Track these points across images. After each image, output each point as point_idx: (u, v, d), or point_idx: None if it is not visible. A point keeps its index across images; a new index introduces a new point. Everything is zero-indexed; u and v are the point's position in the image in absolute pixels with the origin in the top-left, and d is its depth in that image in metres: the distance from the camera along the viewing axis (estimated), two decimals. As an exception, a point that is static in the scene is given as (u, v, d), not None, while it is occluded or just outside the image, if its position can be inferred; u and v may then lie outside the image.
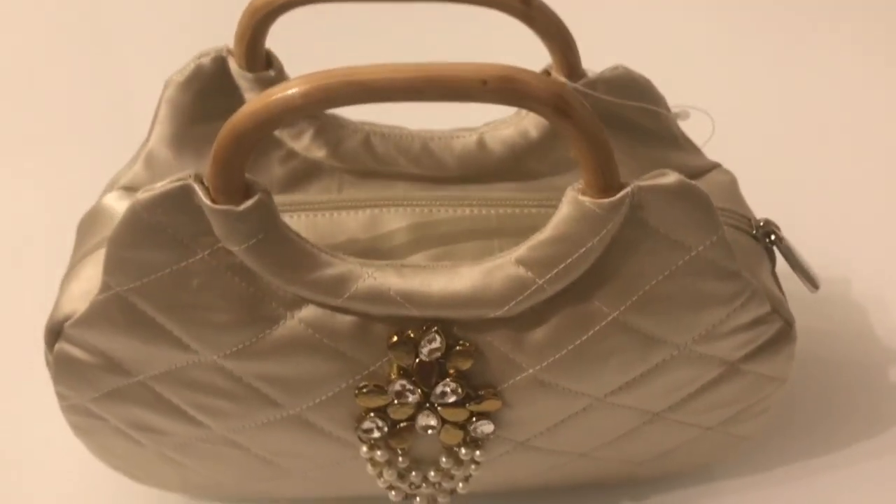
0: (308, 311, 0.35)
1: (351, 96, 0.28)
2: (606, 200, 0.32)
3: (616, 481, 0.44)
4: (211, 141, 0.39)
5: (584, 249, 0.33)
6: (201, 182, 0.32)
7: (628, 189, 0.32)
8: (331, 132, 0.40)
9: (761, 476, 0.46)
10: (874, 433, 0.48)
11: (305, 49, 0.43)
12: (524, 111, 0.40)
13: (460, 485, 0.40)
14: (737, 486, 0.46)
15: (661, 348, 0.36)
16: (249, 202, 0.32)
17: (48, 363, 0.39)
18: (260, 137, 0.30)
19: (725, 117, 0.43)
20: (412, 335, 0.35)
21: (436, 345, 0.35)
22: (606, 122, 0.39)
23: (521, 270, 0.34)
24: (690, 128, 0.42)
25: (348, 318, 0.35)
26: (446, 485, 0.40)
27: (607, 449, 0.41)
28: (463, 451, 0.38)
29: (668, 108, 0.40)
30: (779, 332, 0.38)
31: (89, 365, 0.37)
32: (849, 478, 0.46)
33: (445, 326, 0.35)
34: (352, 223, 0.37)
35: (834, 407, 0.49)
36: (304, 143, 0.40)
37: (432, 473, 0.39)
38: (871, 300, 0.54)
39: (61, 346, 0.37)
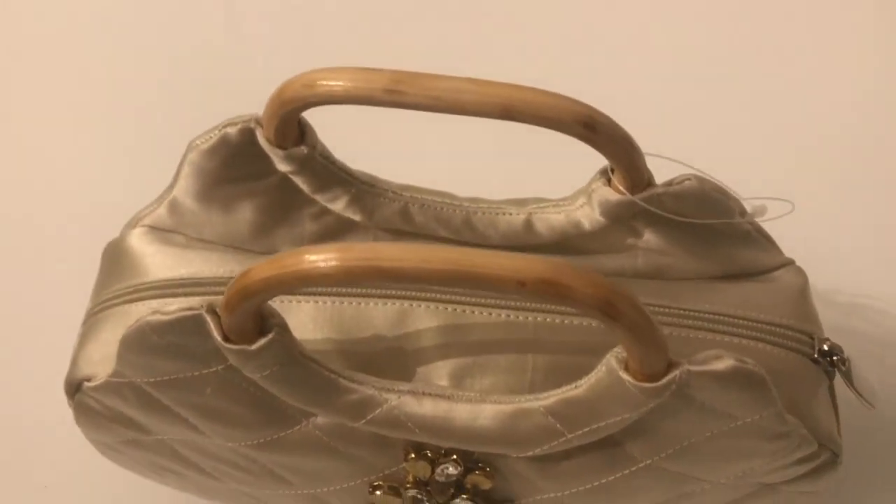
0: (325, 421, 0.33)
1: (376, 281, 0.25)
2: (650, 385, 0.29)
3: None
4: (240, 198, 0.37)
5: (617, 419, 0.30)
6: (214, 313, 0.30)
7: (676, 373, 0.29)
8: (367, 199, 0.37)
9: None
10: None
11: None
12: (577, 203, 0.36)
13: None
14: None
15: (693, 484, 0.34)
16: (263, 341, 0.30)
17: (70, 406, 0.39)
18: (272, 297, 0.28)
19: (809, 198, 0.38)
20: (429, 454, 0.34)
21: (452, 471, 0.33)
22: (669, 222, 0.35)
23: (551, 421, 0.31)
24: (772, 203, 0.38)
25: (366, 431, 0.34)
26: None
27: None
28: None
29: (742, 211, 0.36)
30: (823, 462, 0.36)
31: (109, 418, 0.37)
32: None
33: (466, 453, 0.33)
34: (379, 318, 0.35)
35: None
36: (338, 207, 0.37)
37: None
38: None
39: (81, 398, 0.37)
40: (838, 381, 0.38)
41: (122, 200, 0.39)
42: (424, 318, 0.35)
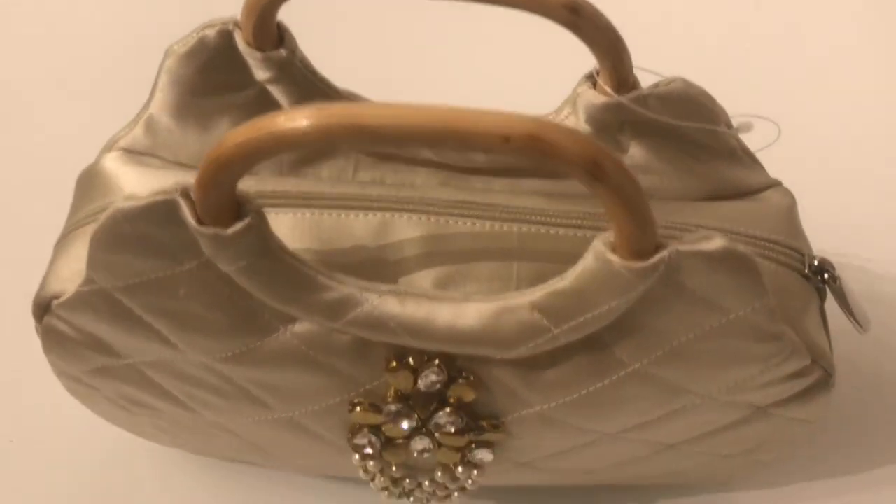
0: (303, 327, 0.32)
1: (355, 141, 0.24)
2: (638, 265, 0.28)
3: (624, 486, 0.43)
4: (217, 114, 0.36)
5: (606, 308, 0.29)
6: (188, 197, 0.29)
7: (665, 253, 0.28)
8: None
9: (779, 491, 0.44)
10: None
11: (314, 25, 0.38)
12: (562, 115, 0.35)
13: (455, 494, 0.38)
14: (752, 500, 0.44)
15: (683, 397, 0.33)
16: (238, 226, 0.29)
17: (38, 333, 0.37)
18: (248, 168, 0.27)
19: (795, 125, 0.38)
20: (412, 362, 0.32)
21: (435, 377, 0.32)
22: (655, 135, 0.34)
23: (536, 316, 0.30)
24: (755, 133, 0.37)
25: (345, 338, 0.32)
26: (441, 493, 0.38)
27: (615, 469, 0.39)
28: (460, 469, 0.36)
29: (728, 123, 0.35)
30: (816, 381, 0.35)
31: (78, 342, 0.35)
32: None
33: (448, 359, 0.32)
34: (360, 228, 0.34)
35: (867, 430, 0.46)
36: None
37: (427, 483, 0.37)
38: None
39: (49, 320, 0.36)
40: (829, 306, 0.37)
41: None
42: (406, 228, 0.34)
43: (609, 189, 0.26)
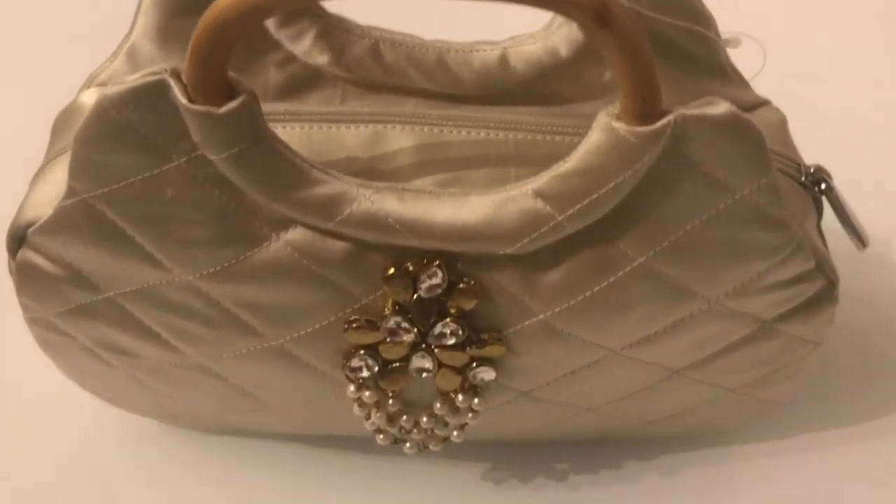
0: (296, 234, 0.31)
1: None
2: (645, 129, 0.27)
3: (622, 438, 0.41)
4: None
5: (613, 185, 0.29)
6: (178, 78, 0.28)
7: (671, 117, 0.28)
8: (334, 36, 0.35)
9: (779, 443, 0.43)
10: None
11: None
12: (554, 25, 0.35)
13: (454, 433, 0.36)
14: (751, 452, 0.43)
15: (689, 301, 0.32)
16: (232, 104, 0.28)
17: (11, 271, 0.35)
18: (244, 28, 0.26)
19: (779, 51, 0.38)
20: (411, 268, 0.31)
21: (436, 280, 0.31)
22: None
23: (539, 204, 0.30)
24: (739, 59, 0.37)
25: (341, 245, 0.31)
26: (439, 432, 0.36)
27: (618, 405, 0.37)
28: (460, 397, 0.34)
29: (717, 34, 0.35)
30: (820, 291, 0.34)
31: (54, 277, 0.34)
32: (874, 452, 0.42)
33: (449, 261, 0.31)
34: (352, 139, 0.33)
35: (867, 376, 0.45)
36: (304, 47, 0.35)
37: (425, 419, 0.36)
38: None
39: (24, 254, 0.34)
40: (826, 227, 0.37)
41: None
42: (399, 138, 0.33)
43: (616, 37, 0.25)
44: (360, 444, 0.42)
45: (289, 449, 0.42)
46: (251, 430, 0.41)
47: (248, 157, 0.29)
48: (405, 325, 0.32)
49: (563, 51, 0.35)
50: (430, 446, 0.37)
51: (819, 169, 0.35)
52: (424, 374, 0.33)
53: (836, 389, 0.44)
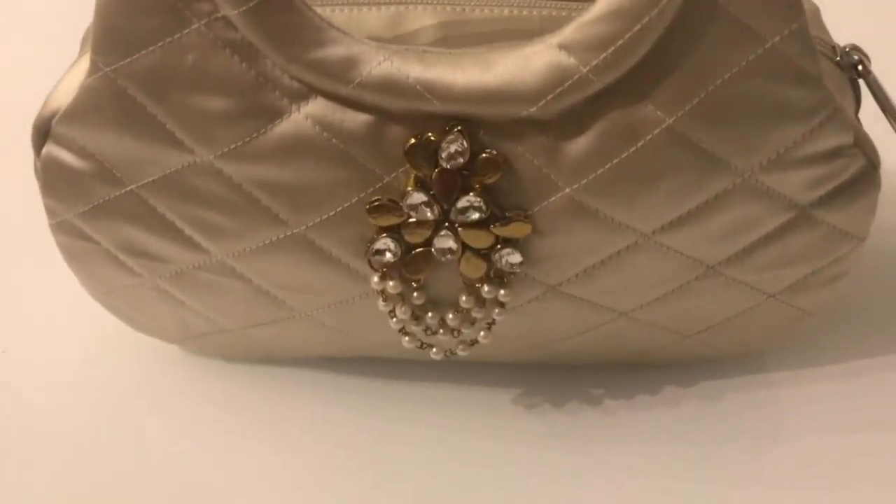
0: (316, 106, 0.31)
1: None
2: None
3: (656, 358, 0.39)
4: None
5: (639, 26, 0.28)
6: None
7: None
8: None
9: (819, 369, 0.41)
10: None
11: None
12: None
13: (482, 333, 0.35)
14: (792, 378, 0.41)
15: (722, 173, 0.31)
16: None
17: (36, 171, 0.35)
18: None
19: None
20: (433, 138, 0.30)
21: (458, 147, 0.30)
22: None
23: (563, 56, 0.29)
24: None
25: (361, 117, 0.31)
26: (466, 331, 0.35)
27: (652, 308, 0.36)
28: (486, 288, 0.33)
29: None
30: (860, 172, 0.33)
31: (79, 171, 0.34)
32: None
33: (471, 129, 0.30)
34: (372, 20, 0.33)
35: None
36: None
37: (451, 316, 0.35)
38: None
39: (49, 148, 0.34)
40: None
41: None
42: (422, 17, 0.33)
43: None
44: (385, 370, 0.41)
45: (312, 377, 0.41)
46: (276, 351, 0.40)
47: (266, 9, 0.29)
48: (427, 200, 0.31)
49: None
50: (458, 351, 0.36)
51: (854, 48, 0.34)
52: (448, 257, 0.32)
53: (869, 311, 0.42)
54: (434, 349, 0.36)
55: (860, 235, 0.35)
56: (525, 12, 0.33)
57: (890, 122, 0.35)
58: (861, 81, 0.35)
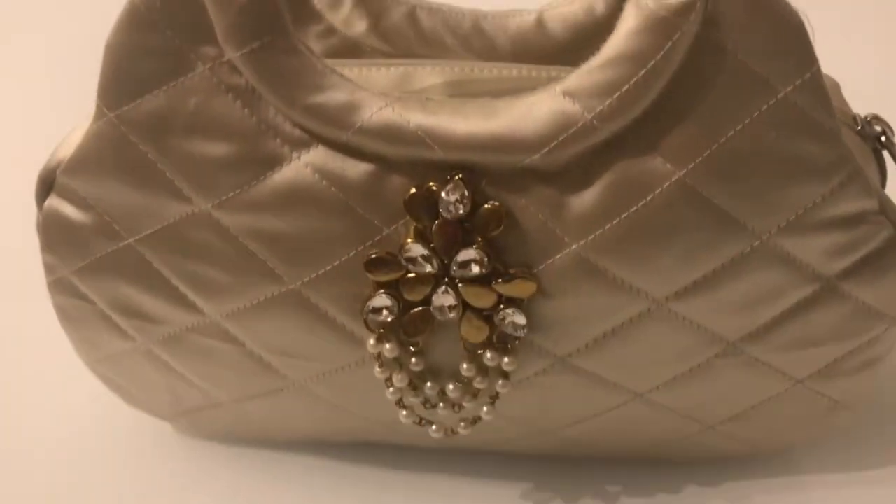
0: (316, 154, 0.30)
1: None
2: (675, 1, 0.26)
3: (678, 452, 0.37)
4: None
5: (645, 70, 0.27)
6: None
7: None
8: (374, 2, 0.36)
9: (857, 474, 0.38)
10: None
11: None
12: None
13: (484, 409, 0.33)
14: (826, 482, 0.38)
15: (737, 234, 0.30)
16: None
17: (38, 227, 0.35)
18: None
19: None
20: (434, 187, 0.30)
21: (458, 196, 0.29)
22: None
23: (568, 103, 0.28)
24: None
25: (362, 166, 0.30)
26: (468, 406, 0.33)
27: (669, 390, 0.33)
28: (488, 354, 0.31)
29: None
30: (888, 242, 0.31)
31: (79, 225, 0.33)
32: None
33: (473, 179, 0.29)
34: (382, 79, 0.33)
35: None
36: (343, 15, 0.36)
37: (451, 387, 0.33)
38: None
39: (51, 201, 0.34)
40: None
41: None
42: (430, 76, 0.33)
43: None
44: (383, 457, 0.38)
45: (307, 463, 0.39)
46: (269, 430, 0.38)
47: (269, 53, 0.29)
48: (427, 253, 0.30)
49: (600, 7, 0.35)
50: (460, 429, 0.34)
51: (876, 118, 0.33)
52: (449, 315, 0.31)
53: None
54: (433, 427, 0.34)
55: (892, 314, 0.32)
56: (534, 73, 0.32)
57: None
58: (886, 153, 0.33)
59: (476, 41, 0.36)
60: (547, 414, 0.34)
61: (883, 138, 0.33)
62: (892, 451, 0.38)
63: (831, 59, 0.35)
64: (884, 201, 0.31)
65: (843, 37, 0.64)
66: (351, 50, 0.36)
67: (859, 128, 0.33)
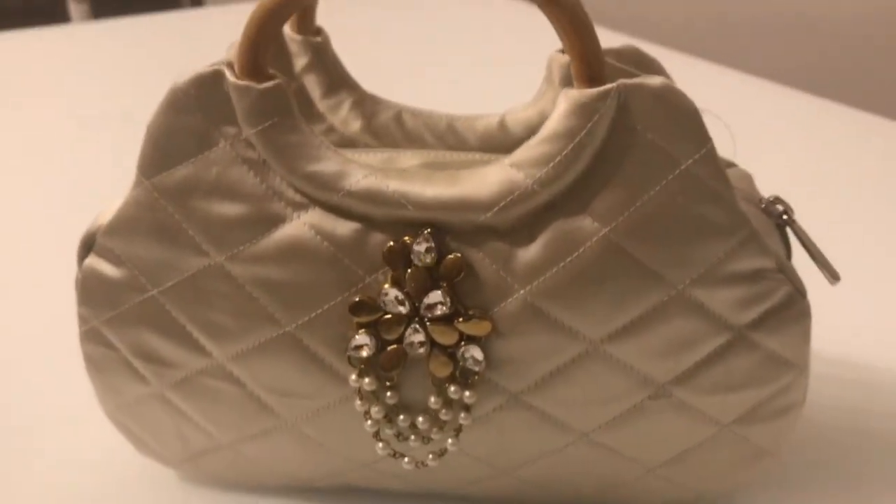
0: (313, 215, 0.37)
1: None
2: (594, 89, 0.34)
3: (626, 497, 0.41)
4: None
5: (573, 144, 0.34)
6: (231, 67, 0.36)
7: (615, 84, 0.34)
8: (367, 105, 0.44)
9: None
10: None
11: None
12: (542, 93, 0.43)
13: (450, 441, 0.38)
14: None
15: (656, 285, 0.36)
16: (269, 83, 0.36)
17: (76, 283, 0.41)
18: (286, 16, 0.34)
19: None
20: (407, 240, 0.36)
21: (427, 247, 0.36)
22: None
23: (514, 172, 0.35)
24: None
25: (350, 225, 0.37)
26: (436, 437, 0.38)
27: (610, 431, 0.38)
28: (452, 388, 0.37)
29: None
30: (787, 297, 0.37)
31: (112, 280, 0.40)
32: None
33: (440, 235, 0.36)
34: (371, 160, 0.40)
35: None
36: (341, 116, 0.44)
37: (421, 419, 0.38)
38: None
39: (90, 260, 0.40)
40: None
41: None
42: (410, 159, 0.40)
43: (562, 9, 0.33)
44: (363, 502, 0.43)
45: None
46: (264, 473, 0.43)
47: (278, 130, 0.36)
48: (401, 297, 0.36)
49: (550, 111, 0.42)
50: (429, 461, 0.39)
51: (777, 199, 0.40)
52: (419, 351, 0.36)
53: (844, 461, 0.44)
54: (406, 459, 0.39)
55: (799, 364, 0.38)
56: (493, 158, 0.39)
57: (821, 270, 0.40)
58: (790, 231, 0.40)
59: (450, 138, 0.43)
60: (506, 452, 0.39)
61: (785, 217, 0.39)
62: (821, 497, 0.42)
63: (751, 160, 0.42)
64: (782, 263, 0.37)
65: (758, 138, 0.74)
66: (347, 145, 0.44)
67: (763, 206, 0.39)
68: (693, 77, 0.45)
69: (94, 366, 0.42)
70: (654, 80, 0.35)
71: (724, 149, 0.44)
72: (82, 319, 0.41)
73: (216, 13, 1.41)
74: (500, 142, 0.43)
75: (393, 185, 0.36)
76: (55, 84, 1.07)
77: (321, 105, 0.44)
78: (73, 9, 1.70)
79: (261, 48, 0.35)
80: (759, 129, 0.84)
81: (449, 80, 0.96)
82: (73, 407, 0.47)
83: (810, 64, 1.14)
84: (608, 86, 0.34)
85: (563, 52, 0.42)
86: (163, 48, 1.19)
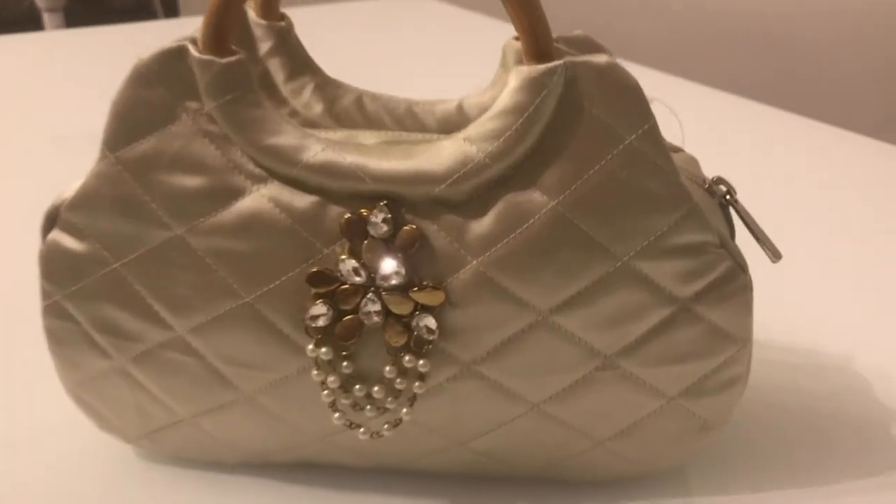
0: (272, 188, 0.38)
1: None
2: (542, 66, 0.35)
3: (576, 469, 0.42)
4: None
5: (522, 119, 0.36)
6: (195, 43, 0.37)
7: (562, 61, 0.36)
8: (328, 89, 0.45)
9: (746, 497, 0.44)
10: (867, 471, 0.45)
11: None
12: (497, 79, 0.44)
13: (404, 410, 0.39)
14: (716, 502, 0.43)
15: (602, 257, 0.37)
16: (232, 58, 0.37)
17: (40, 257, 0.42)
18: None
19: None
20: (364, 213, 0.37)
21: (382, 217, 0.37)
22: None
23: (467, 146, 0.37)
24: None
25: (308, 198, 0.38)
26: (391, 407, 0.39)
27: (560, 402, 0.40)
28: (407, 357, 0.38)
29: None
30: (729, 272, 0.39)
31: (75, 253, 0.40)
32: None
33: (395, 207, 0.37)
34: (332, 137, 0.41)
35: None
36: (303, 100, 0.45)
37: (376, 389, 0.39)
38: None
39: (54, 235, 0.41)
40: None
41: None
42: (369, 137, 0.41)
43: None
44: (316, 478, 0.43)
45: (258, 485, 0.44)
46: (223, 448, 0.44)
47: (238, 104, 0.37)
48: (357, 267, 0.37)
49: None
50: (384, 431, 0.40)
51: (720, 179, 0.41)
52: (374, 320, 0.37)
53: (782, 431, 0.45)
54: (361, 430, 0.40)
55: (742, 337, 0.39)
56: (461, 135, 0.41)
57: (763, 248, 0.41)
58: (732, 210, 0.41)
59: (409, 122, 0.45)
60: (459, 423, 0.40)
61: (727, 196, 0.41)
62: (763, 473, 0.44)
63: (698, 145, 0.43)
64: (724, 238, 0.39)
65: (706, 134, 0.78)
66: (309, 128, 0.45)
67: (707, 186, 0.41)
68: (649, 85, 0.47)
69: (56, 340, 0.42)
70: (600, 58, 0.36)
71: (672, 137, 0.46)
72: (45, 294, 0.42)
73: (191, 24, 1.42)
74: (458, 125, 0.44)
75: (350, 158, 0.37)
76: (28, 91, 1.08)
77: (284, 89, 0.45)
78: (48, 19, 1.70)
79: (224, 23, 0.36)
80: (708, 128, 0.88)
81: (407, 82, 0.98)
82: (29, 383, 0.47)
83: (759, 75, 1.20)
84: (556, 62, 0.36)
85: (517, 38, 0.44)
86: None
